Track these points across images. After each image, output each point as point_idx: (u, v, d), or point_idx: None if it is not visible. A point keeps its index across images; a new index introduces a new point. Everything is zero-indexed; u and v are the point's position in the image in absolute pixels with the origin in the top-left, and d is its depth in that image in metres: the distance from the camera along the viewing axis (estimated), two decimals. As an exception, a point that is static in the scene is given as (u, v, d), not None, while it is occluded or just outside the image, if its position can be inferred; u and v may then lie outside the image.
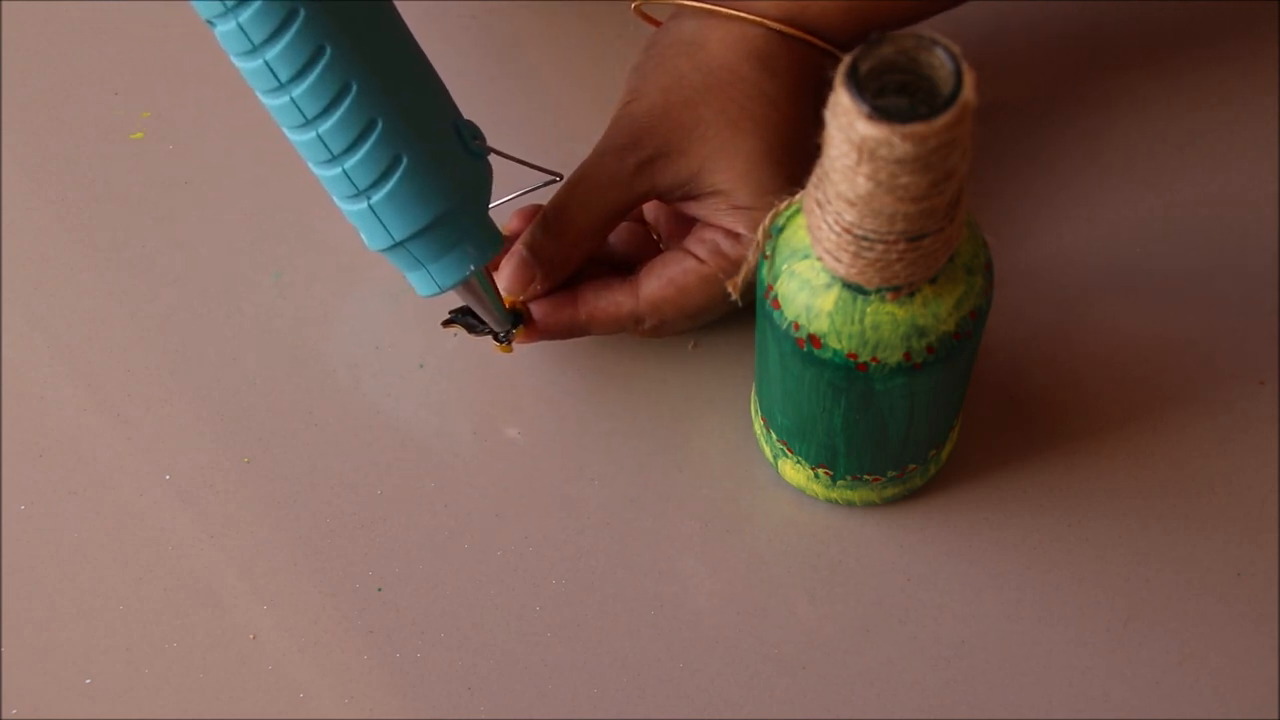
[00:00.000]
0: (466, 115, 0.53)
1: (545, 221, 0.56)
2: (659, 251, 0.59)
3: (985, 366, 0.60)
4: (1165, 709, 0.54)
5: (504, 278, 0.56)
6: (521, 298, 0.57)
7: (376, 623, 0.57)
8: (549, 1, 0.70)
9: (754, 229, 0.54)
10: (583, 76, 0.68)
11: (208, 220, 0.66)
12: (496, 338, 0.57)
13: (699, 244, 0.56)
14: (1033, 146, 0.65)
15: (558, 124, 0.67)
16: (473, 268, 0.53)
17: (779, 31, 0.55)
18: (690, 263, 0.56)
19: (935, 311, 0.46)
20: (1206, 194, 0.64)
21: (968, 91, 0.39)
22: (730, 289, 0.52)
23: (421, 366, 0.62)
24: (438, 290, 0.53)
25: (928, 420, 0.52)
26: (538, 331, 0.57)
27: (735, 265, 0.55)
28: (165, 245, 0.65)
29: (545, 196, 0.57)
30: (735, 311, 0.56)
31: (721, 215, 0.55)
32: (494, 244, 0.54)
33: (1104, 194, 0.64)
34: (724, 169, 0.54)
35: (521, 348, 0.61)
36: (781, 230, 0.47)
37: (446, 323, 0.58)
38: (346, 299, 0.63)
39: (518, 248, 0.56)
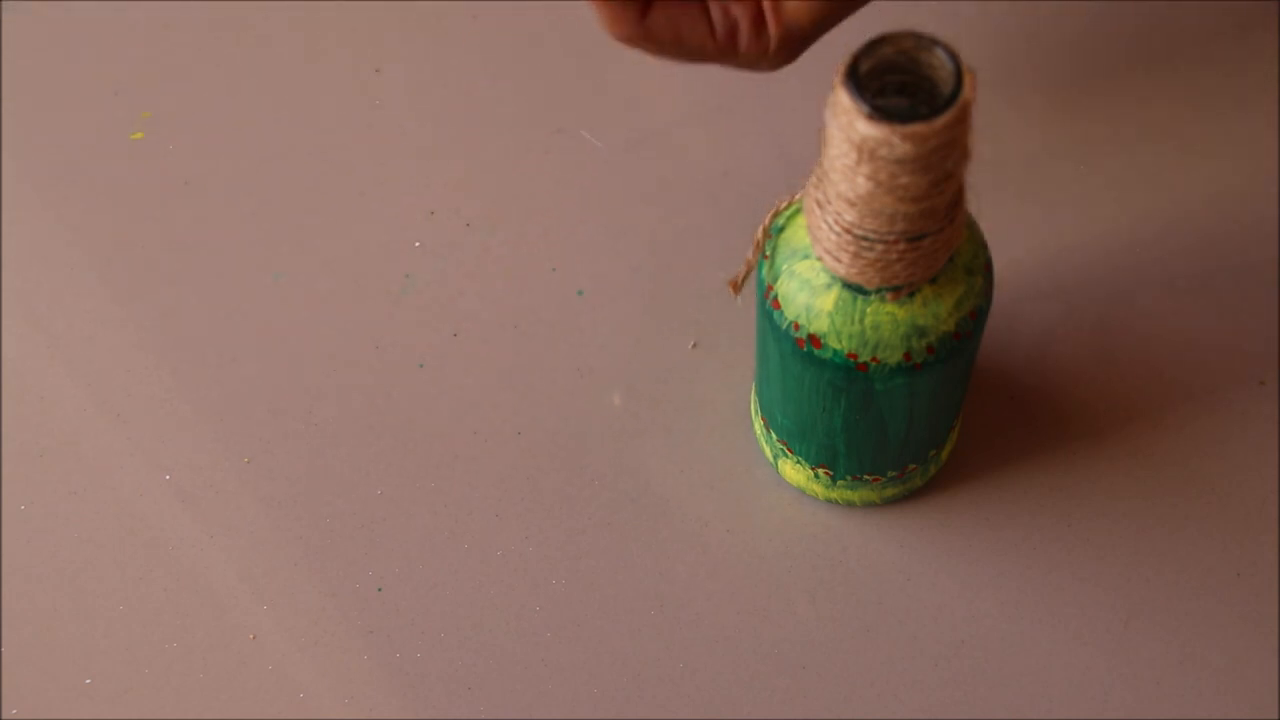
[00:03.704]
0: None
1: None
2: None
3: (985, 366, 0.60)
4: (1165, 709, 0.54)
5: None
6: None
7: (376, 623, 0.57)
8: (548, 1, 0.70)
9: (781, 24, 0.48)
10: (580, 76, 0.68)
11: (208, 220, 0.66)
12: None
13: (722, 14, 0.49)
14: (1032, 146, 0.65)
15: (555, 123, 0.67)
16: None
17: None
18: (703, 28, 0.49)
19: (935, 311, 0.46)
20: (1206, 194, 0.64)
21: (968, 91, 0.39)
22: (730, 289, 0.52)
23: (421, 366, 0.62)
24: None
25: (928, 420, 0.52)
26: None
27: (742, 58, 0.49)
28: (165, 245, 0.65)
29: None
30: (735, 311, 0.56)
31: None
32: None
33: (1104, 194, 0.64)
34: None
35: (523, 349, 0.61)
36: (781, 230, 0.47)
37: None
38: (346, 299, 0.63)
39: None
